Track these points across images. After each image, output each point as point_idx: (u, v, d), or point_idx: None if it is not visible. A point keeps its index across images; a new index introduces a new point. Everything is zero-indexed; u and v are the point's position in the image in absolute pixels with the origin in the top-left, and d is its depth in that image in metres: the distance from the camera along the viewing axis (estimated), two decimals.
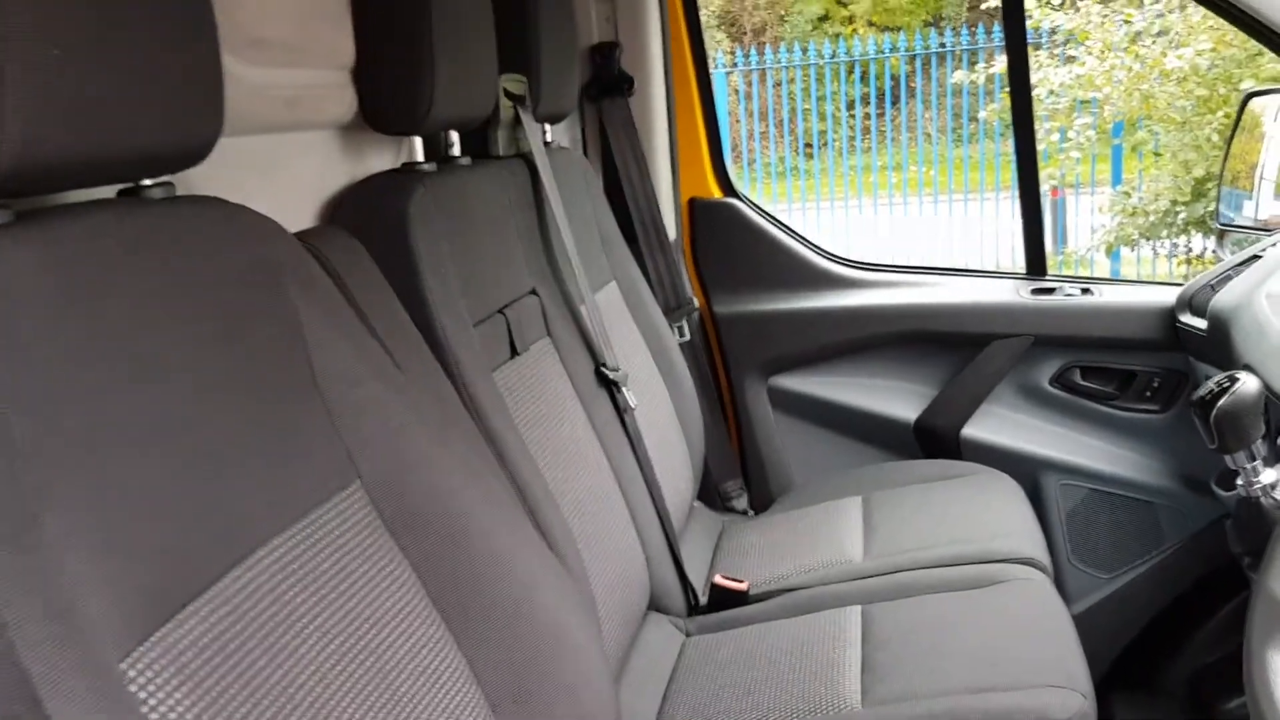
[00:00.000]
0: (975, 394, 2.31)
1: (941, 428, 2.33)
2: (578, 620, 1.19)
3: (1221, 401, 1.10)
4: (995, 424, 2.32)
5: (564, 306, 1.79)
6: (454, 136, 1.59)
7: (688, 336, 2.34)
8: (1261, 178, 2.45)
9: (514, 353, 1.55)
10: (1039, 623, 1.56)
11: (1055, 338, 2.27)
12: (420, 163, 1.48)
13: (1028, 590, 1.66)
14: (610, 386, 1.81)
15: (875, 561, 1.84)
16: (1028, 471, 2.27)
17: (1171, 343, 2.16)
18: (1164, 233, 7.14)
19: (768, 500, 2.34)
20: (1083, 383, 2.29)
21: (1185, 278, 7.36)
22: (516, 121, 1.76)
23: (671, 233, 2.39)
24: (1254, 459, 1.11)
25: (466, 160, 1.62)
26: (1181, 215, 6.80)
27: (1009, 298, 2.32)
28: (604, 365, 1.80)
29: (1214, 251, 2.37)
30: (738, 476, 2.41)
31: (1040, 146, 8.29)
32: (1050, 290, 2.30)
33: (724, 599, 1.84)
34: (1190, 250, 7.37)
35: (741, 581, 1.86)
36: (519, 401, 1.50)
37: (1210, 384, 1.13)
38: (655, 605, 1.79)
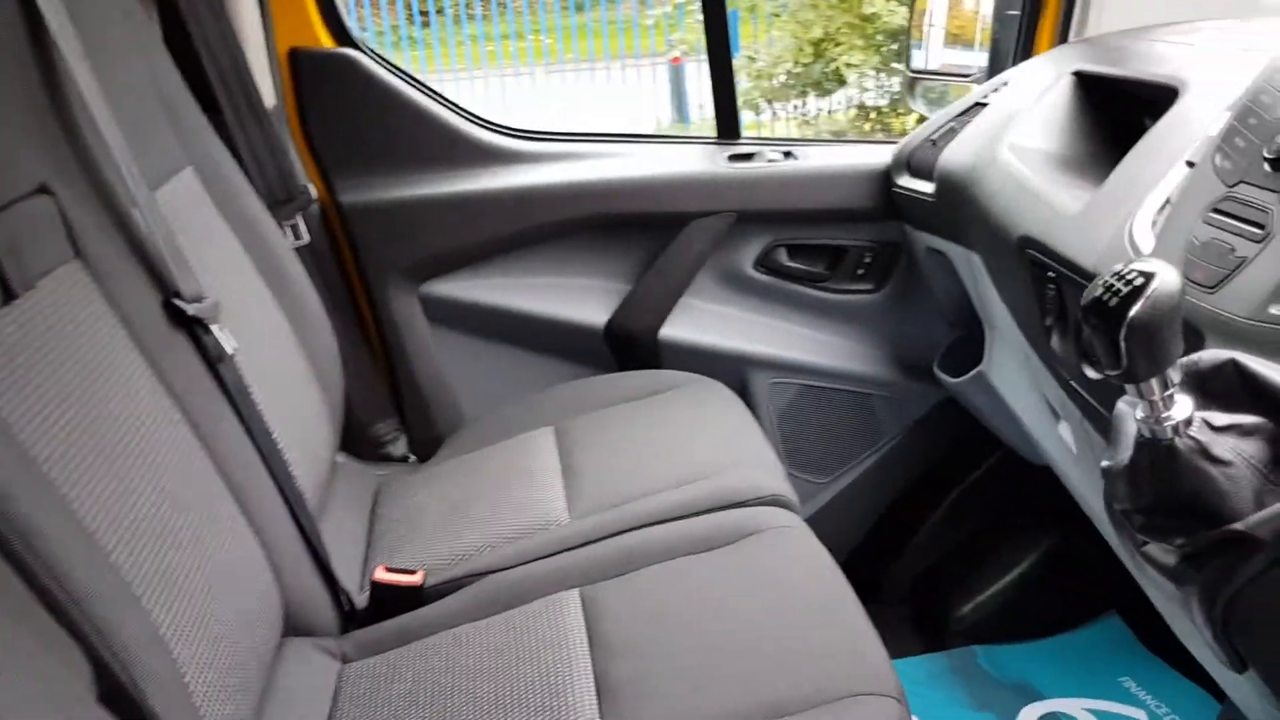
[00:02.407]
0: (672, 287, 1.94)
1: (637, 331, 1.94)
2: None
3: (1136, 309, 0.74)
4: (696, 320, 1.97)
5: (102, 210, 1.17)
6: None
7: (306, 238, 1.78)
8: (930, 24, 2.30)
9: (8, 296, 0.94)
10: (813, 594, 1.21)
11: (758, 212, 1.92)
12: None
13: (786, 544, 1.31)
14: (192, 325, 1.22)
15: (587, 522, 1.42)
16: (734, 372, 1.95)
17: (886, 211, 1.87)
18: (786, 96, 7.21)
19: (434, 442, 1.85)
20: (790, 264, 1.97)
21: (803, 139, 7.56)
22: None
23: (269, 98, 1.77)
24: (1168, 387, 0.76)
25: None
26: (802, 77, 6.86)
27: (705, 167, 1.94)
28: (178, 295, 1.21)
29: (911, 103, 2.13)
30: (392, 415, 1.91)
31: (665, 10, 8.14)
32: (749, 156, 1.94)
33: (391, 599, 1.37)
34: (806, 112, 7.52)
35: (413, 572, 1.39)
36: (23, 375, 0.91)
37: (1108, 280, 0.75)
38: (294, 627, 1.27)
